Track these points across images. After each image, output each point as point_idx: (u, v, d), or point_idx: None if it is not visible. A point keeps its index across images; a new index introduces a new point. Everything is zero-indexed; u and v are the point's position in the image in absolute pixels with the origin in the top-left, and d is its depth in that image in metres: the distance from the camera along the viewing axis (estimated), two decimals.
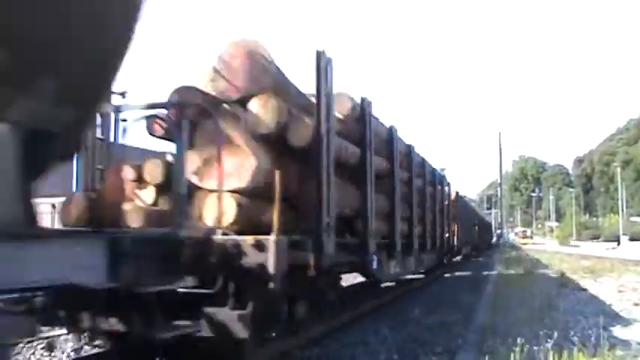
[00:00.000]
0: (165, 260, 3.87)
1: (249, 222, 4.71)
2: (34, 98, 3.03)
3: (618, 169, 72.97)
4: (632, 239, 52.84)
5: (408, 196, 9.65)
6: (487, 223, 48.21)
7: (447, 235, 14.71)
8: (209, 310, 4.14)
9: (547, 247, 56.12)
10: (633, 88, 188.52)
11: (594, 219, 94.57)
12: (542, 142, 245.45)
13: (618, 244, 53.23)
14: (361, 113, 7.03)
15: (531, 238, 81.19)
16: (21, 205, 3.09)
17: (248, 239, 4.23)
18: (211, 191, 4.67)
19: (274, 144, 5.25)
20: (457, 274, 17.25)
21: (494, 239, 52.02)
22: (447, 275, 16.38)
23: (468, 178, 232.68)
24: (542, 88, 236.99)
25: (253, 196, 4.92)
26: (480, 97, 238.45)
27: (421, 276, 12.96)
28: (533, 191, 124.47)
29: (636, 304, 9.00)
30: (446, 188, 15.42)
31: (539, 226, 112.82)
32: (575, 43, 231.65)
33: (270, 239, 4.21)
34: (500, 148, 55.25)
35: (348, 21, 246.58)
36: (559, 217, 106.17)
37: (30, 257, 2.85)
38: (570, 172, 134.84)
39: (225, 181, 4.53)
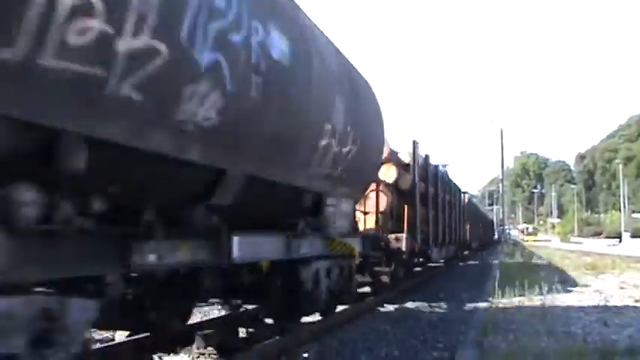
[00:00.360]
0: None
1: (382, 227, 9.63)
2: None
3: (620, 166, 72.87)
4: (633, 236, 52.89)
5: (442, 206, 13.58)
6: (489, 221, 48.22)
7: (462, 233, 18.70)
8: (376, 268, 9.26)
9: (553, 243, 56.14)
10: (635, 85, 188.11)
11: (596, 215, 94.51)
12: (544, 138, 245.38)
13: (620, 240, 53.25)
14: (425, 162, 11.98)
15: (536, 235, 79.10)
16: None
17: (392, 235, 9.52)
18: (367, 213, 9.38)
19: (393, 188, 10.33)
20: (470, 262, 22.11)
21: (496, 236, 52.02)
22: (461, 264, 20.48)
23: (470, 174, 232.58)
24: (545, 84, 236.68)
25: (384, 215, 9.85)
26: (482, 93, 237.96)
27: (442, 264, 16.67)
28: (535, 187, 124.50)
29: (637, 301, 9.00)
30: (462, 196, 19.57)
31: (541, 222, 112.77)
32: (578, 39, 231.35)
33: (403, 235, 9.66)
34: (502, 145, 54.98)
35: (352, 14, 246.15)
36: (561, 213, 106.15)
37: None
38: (572, 168, 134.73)
39: (373, 207, 9.60)
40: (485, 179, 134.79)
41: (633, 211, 72.81)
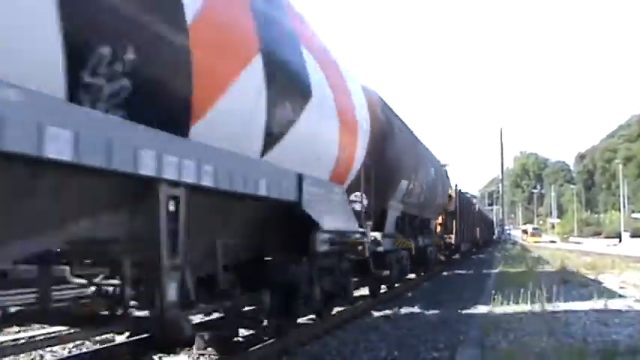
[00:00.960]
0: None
1: (442, 232, 18.60)
2: None
3: (620, 166, 72.88)
4: (633, 236, 52.91)
5: (466, 218, 22.19)
6: (490, 221, 48.44)
7: (474, 234, 27.26)
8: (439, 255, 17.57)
9: (554, 244, 55.92)
10: (635, 84, 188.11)
11: (596, 215, 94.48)
12: (543, 138, 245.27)
13: (620, 240, 53.27)
14: (458, 193, 20.36)
15: (540, 236, 72.36)
16: None
17: (446, 236, 18.91)
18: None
19: (444, 210, 17.99)
20: (480, 256, 29.11)
21: (496, 236, 52.18)
22: (473, 257, 27.75)
23: (470, 174, 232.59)
24: (544, 83, 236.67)
25: (442, 225, 18.60)
26: (482, 92, 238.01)
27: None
28: (535, 187, 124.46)
29: (637, 301, 9.00)
30: (475, 205, 28.82)
31: (541, 222, 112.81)
32: (578, 39, 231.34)
33: (453, 236, 19.37)
34: (502, 145, 55.17)
35: (353, 14, 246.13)
36: (560, 213, 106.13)
37: None
38: (572, 168, 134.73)
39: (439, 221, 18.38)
40: (485, 179, 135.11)
41: (633, 211, 72.83)
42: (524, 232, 77.66)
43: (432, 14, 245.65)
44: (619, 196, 69.64)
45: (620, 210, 68.98)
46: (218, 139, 3.41)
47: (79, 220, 2.64)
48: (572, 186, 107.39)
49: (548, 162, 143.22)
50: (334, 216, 5.22)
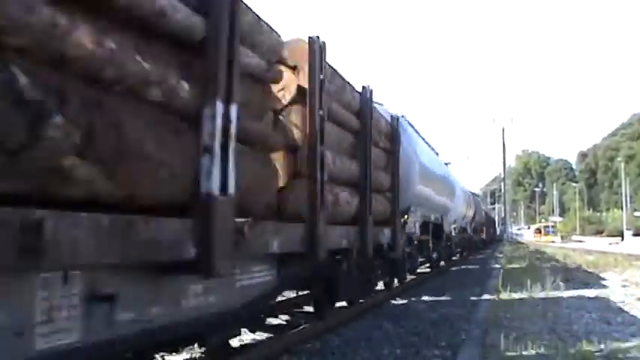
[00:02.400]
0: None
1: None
2: None
3: (622, 164, 72.81)
4: (635, 234, 52.88)
5: (484, 222, 31.15)
6: (492, 220, 48.50)
7: (485, 233, 32.93)
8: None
9: (556, 243, 55.61)
10: (638, 83, 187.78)
11: (598, 214, 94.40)
12: (545, 137, 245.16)
13: (622, 239, 53.21)
14: (477, 203, 28.85)
15: (555, 234, 65.56)
16: None
17: (480, 233, 30.09)
18: None
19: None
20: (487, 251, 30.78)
21: (498, 234, 52.17)
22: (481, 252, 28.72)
23: (472, 172, 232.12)
24: (547, 82, 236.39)
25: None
26: (484, 91, 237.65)
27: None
28: (537, 186, 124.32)
29: (639, 299, 8.98)
30: (482, 207, 32.79)
31: (543, 220, 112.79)
32: (580, 38, 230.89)
33: (484, 234, 31.58)
34: (504, 143, 55.15)
35: (354, 10, 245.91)
36: (562, 211, 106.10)
37: None
38: (574, 166, 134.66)
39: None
40: (487, 177, 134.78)
41: (635, 210, 72.76)
42: (537, 230, 72.01)
43: (436, 12, 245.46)
44: (621, 194, 69.61)
45: (622, 208, 68.92)
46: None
47: None
48: (574, 184, 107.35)
49: (550, 160, 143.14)
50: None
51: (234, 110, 2.78)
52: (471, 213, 21.15)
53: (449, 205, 13.93)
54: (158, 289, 2.55)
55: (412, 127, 10.41)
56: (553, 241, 57.78)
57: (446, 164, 18.34)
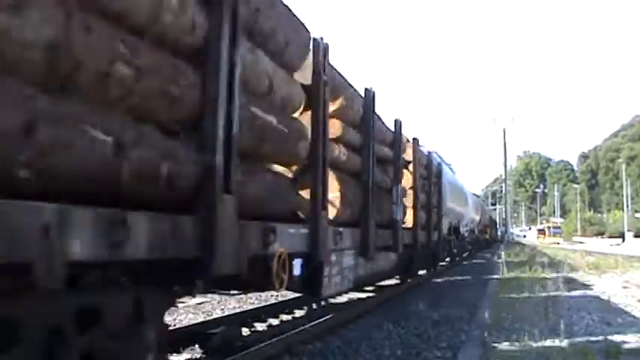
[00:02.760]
0: None
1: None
2: None
3: (623, 166, 72.78)
4: (636, 235, 52.84)
5: (489, 224, 35.17)
6: (493, 221, 48.56)
7: (490, 234, 36.25)
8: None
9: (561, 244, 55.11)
10: (639, 85, 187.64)
11: (599, 215, 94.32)
12: (546, 138, 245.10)
13: (623, 240, 53.19)
14: (484, 210, 32.82)
15: (561, 236, 63.58)
16: None
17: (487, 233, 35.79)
18: None
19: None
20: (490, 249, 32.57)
21: (499, 235, 52.18)
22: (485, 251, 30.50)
23: (473, 173, 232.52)
24: (548, 83, 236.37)
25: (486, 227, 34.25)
26: (485, 92, 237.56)
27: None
28: (538, 187, 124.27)
29: None
30: (491, 217, 37.02)
31: (544, 222, 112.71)
32: (581, 39, 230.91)
33: (491, 234, 39.10)
34: (505, 145, 55.30)
35: (354, 11, 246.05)
36: (564, 213, 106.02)
37: None
38: (575, 167, 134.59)
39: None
40: (489, 179, 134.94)
41: (636, 211, 72.73)
42: (541, 231, 70.24)
43: (437, 13, 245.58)
44: (622, 195, 69.59)
45: (623, 210, 68.87)
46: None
47: None
48: (575, 185, 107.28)
49: (551, 161, 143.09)
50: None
51: None
52: (478, 217, 25.30)
53: (463, 211, 18.13)
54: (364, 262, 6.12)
55: (437, 154, 13.84)
56: (558, 243, 56.66)
57: (448, 165, 18.83)
